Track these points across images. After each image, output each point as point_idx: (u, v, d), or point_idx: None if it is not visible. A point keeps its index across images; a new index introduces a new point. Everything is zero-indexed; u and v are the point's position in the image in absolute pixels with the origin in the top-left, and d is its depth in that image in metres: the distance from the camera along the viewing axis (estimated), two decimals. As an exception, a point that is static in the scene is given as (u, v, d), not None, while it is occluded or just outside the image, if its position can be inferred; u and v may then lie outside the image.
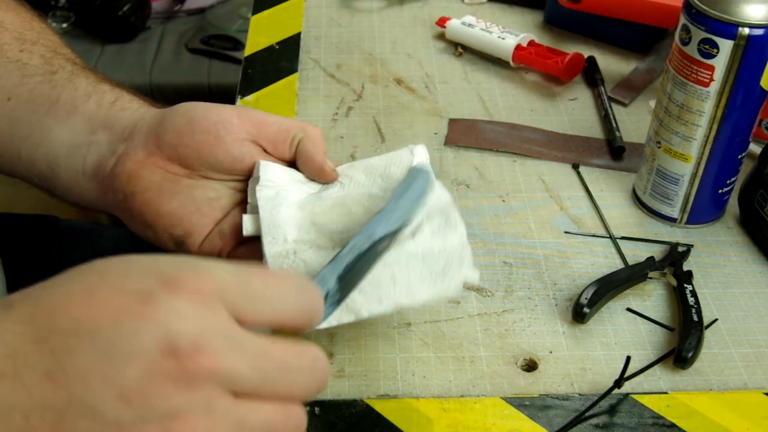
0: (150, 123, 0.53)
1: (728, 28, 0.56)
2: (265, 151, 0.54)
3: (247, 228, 0.52)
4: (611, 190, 0.71)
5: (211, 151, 0.52)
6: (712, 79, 0.59)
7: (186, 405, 0.31)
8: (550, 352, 0.56)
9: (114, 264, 0.33)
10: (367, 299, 0.46)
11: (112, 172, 0.53)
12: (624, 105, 0.82)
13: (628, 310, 0.60)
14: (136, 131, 0.53)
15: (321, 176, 0.55)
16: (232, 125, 0.52)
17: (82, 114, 0.55)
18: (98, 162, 0.54)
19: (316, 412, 0.52)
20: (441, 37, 0.92)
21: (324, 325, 0.45)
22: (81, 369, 0.30)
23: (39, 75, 0.57)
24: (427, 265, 0.48)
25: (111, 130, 0.54)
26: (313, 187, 0.55)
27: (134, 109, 0.55)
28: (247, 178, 0.54)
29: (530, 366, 0.56)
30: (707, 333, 0.57)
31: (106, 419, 0.30)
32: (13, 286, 0.69)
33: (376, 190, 0.53)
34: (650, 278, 0.61)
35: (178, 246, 0.53)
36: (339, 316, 0.46)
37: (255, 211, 0.52)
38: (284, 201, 0.52)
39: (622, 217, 0.68)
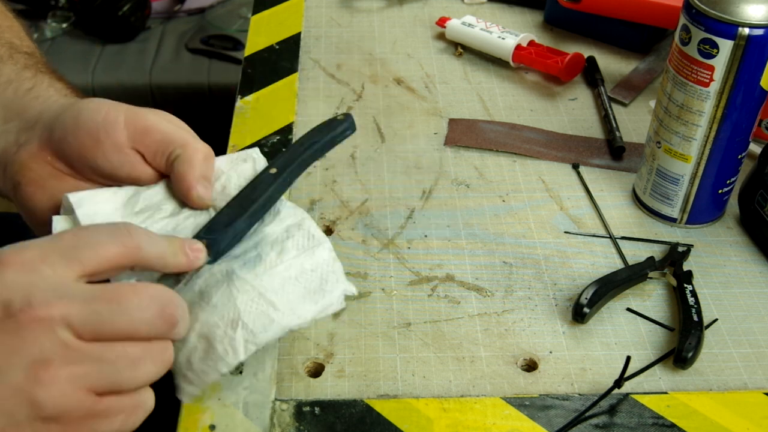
0: (50, 115, 0.52)
1: (728, 28, 0.56)
2: (145, 160, 0.51)
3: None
4: (611, 190, 0.71)
5: (91, 154, 0.50)
6: (712, 79, 0.59)
7: (38, 352, 0.37)
8: (550, 352, 0.56)
9: None
10: (251, 333, 0.45)
11: (11, 159, 0.52)
12: (624, 105, 0.82)
13: (628, 310, 0.60)
14: (39, 122, 0.53)
15: (187, 199, 0.51)
16: (115, 129, 0.50)
17: (0, 103, 0.55)
18: (4, 150, 0.53)
19: (316, 412, 0.52)
20: (441, 37, 0.92)
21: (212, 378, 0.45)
22: None
23: None
24: (303, 284, 0.48)
25: (21, 118, 0.54)
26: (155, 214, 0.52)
27: (46, 98, 0.55)
28: (130, 183, 0.52)
29: (530, 366, 0.56)
30: (707, 333, 0.57)
31: None
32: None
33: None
34: (650, 278, 0.61)
35: None
36: (224, 362, 0.45)
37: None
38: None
39: (622, 217, 0.68)
